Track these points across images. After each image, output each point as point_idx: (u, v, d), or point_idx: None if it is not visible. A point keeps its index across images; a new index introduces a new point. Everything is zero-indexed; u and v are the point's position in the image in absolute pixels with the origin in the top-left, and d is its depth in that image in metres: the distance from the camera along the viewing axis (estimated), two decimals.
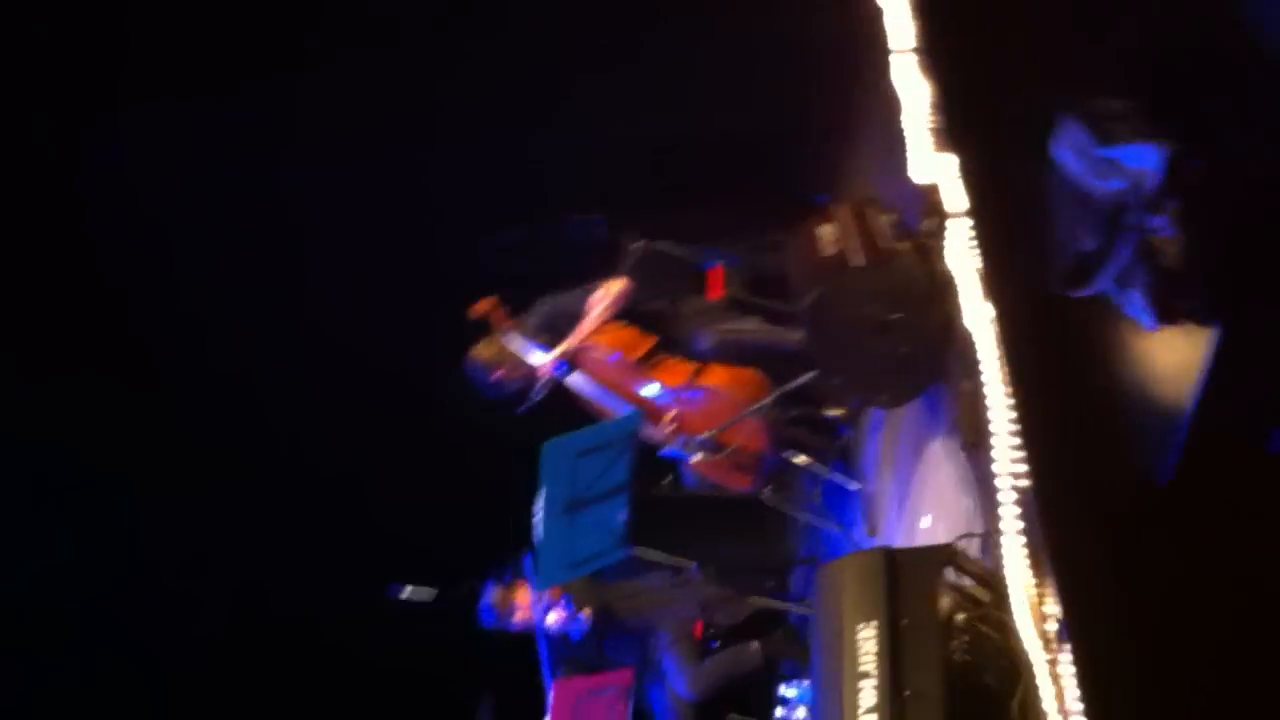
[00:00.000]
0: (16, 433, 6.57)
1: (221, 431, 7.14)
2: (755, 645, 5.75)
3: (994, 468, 3.54)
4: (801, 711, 5.05)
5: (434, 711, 7.17)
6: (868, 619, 3.48)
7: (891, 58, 4.94)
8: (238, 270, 6.95)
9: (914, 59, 4.75)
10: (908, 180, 4.66)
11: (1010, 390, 3.70)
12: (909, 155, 4.69)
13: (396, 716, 7.43)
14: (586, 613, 5.94)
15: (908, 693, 3.34)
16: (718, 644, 5.88)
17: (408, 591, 6.32)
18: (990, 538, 3.58)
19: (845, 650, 3.55)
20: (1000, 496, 3.48)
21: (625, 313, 5.73)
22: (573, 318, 5.73)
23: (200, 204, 6.93)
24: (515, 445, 5.22)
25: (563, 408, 5.78)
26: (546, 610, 5.96)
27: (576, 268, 5.96)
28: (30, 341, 6.68)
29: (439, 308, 6.09)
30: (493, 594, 6.03)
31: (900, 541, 4.39)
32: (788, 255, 5.52)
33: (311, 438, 7.16)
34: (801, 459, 5.48)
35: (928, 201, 4.55)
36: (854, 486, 5.32)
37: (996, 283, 4.01)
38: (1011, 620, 3.28)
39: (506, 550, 5.78)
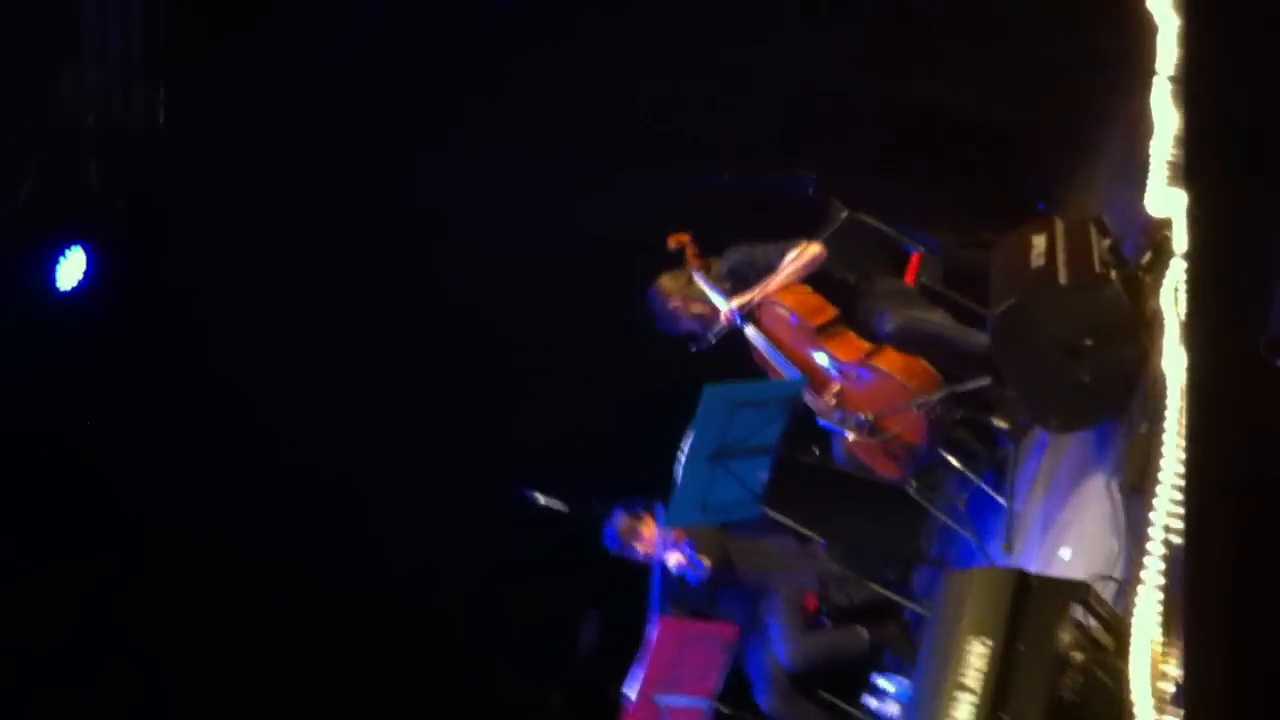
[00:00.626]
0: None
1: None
2: (863, 631, 5.70)
3: (1150, 517, 3.42)
4: (893, 707, 4.99)
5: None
6: (984, 634, 3.42)
7: (1153, 80, 4.78)
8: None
9: (1170, 86, 4.58)
10: (1139, 208, 4.50)
11: (1186, 445, 3.56)
12: (1146, 183, 4.53)
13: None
14: (706, 560, 5.96)
15: (1004, 717, 3.27)
16: (827, 621, 5.85)
17: (541, 499, 6.41)
18: (1128, 586, 3.47)
19: (953, 659, 3.50)
20: (1149, 547, 3.36)
21: (814, 277, 5.68)
22: (762, 271, 5.70)
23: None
24: (682, 381, 5.27)
25: (734, 355, 5.77)
26: (668, 548, 5.99)
27: (776, 221, 5.91)
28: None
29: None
30: (620, 520, 6.08)
31: (1035, 566, 4.28)
32: (994, 256, 5.41)
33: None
34: (955, 461, 5.37)
35: (1153, 234, 4.40)
36: (1001, 501, 5.20)
37: (1198, 333, 3.86)
38: (1129, 672, 3.19)
39: (649, 482, 5.79)
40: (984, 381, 5.05)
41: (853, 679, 5.65)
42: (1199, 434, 3.54)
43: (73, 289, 6.84)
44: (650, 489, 5.69)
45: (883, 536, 6.08)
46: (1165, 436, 3.66)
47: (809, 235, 5.78)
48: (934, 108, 6.34)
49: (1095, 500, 4.15)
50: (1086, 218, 4.73)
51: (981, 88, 6.19)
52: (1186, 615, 3.00)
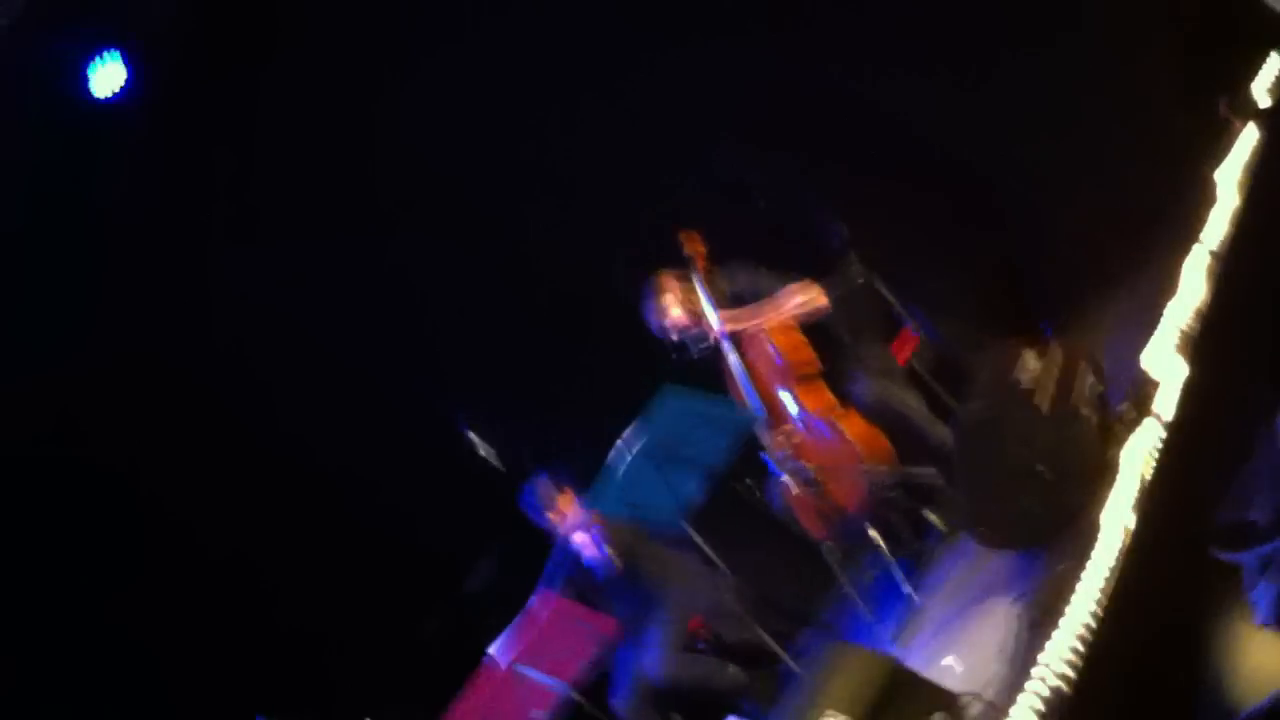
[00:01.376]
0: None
1: None
2: (735, 671, 5.71)
3: (1040, 658, 3.40)
4: None
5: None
6: (842, 712, 3.41)
7: (1194, 247, 4.78)
8: None
9: (1208, 259, 4.57)
10: (1136, 361, 4.49)
11: (1099, 601, 3.55)
12: (1151, 340, 4.52)
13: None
14: (611, 552, 5.94)
15: None
16: (704, 648, 5.84)
17: (475, 439, 6.39)
18: (996, 713, 3.46)
19: None
20: (1029, 686, 3.35)
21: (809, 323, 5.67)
22: (759, 296, 5.67)
23: None
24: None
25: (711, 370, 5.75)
26: (579, 528, 5.97)
27: (788, 252, 5.89)
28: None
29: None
30: (542, 485, 6.08)
31: (915, 662, 4.24)
32: (984, 359, 5.41)
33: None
34: (879, 538, 5.38)
35: (1141, 391, 4.38)
36: (907, 590, 5.20)
37: (1149, 503, 3.84)
38: None
39: (585, 457, 5.77)
40: (933, 475, 5.04)
41: (708, 713, 5.64)
42: (1114, 603, 3.52)
43: (109, 98, 6.40)
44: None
45: (786, 587, 6.10)
46: (1081, 586, 3.64)
47: (815, 274, 5.75)
48: (978, 199, 6.30)
49: (995, 622, 4.14)
50: (1083, 353, 4.72)
51: (1031, 195, 6.16)
52: None
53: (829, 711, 3.47)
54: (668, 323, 5.78)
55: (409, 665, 6.78)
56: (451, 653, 6.01)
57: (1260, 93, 5.66)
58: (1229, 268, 4.60)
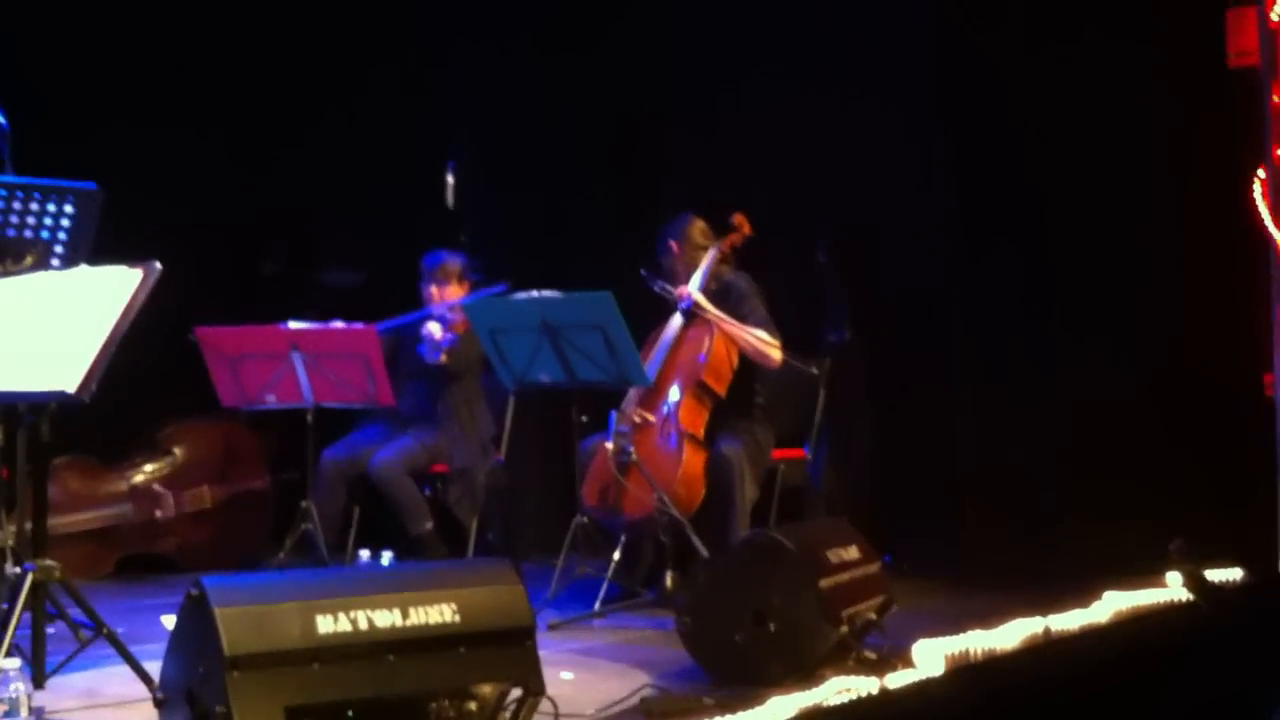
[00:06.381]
0: None
1: None
2: (431, 526, 5.80)
3: None
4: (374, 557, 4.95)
5: None
6: (456, 608, 3.41)
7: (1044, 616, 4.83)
8: None
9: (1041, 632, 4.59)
10: (916, 639, 4.53)
11: None
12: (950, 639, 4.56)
13: None
14: (444, 354, 5.94)
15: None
16: (428, 491, 5.91)
17: (451, 183, 6.39)
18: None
19: (423, 595, 3.48)
20: None
21: (747, 362, 5.66)
22: (737, 313, 5.67)
23: None
24: None
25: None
26: (441, 317, 5.97)
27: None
28: None
29: None
30: (453, 261, 6.09)
31: (545, 651, 4.21)
32: (825, 518, 5.49)
33: None
34: (617, 553, 5.41)
35: (895, 657, 4.42)
36: (597, 606, 5.25)
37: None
38: None
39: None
40: (700, 549, 5.08)
41: (378, 532, 5.67)
42: None
43: None
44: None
45: (526, 517, 6.19)
46: None
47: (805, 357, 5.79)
48: None
49: (623, 684, 4.17)
50: (889, 593, 4.74)
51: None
52: None
53: (451, 603, 3.46)
54: (666, 253, 5.82)
55: None
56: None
57: (1215, 575, 5.72)
58: (1040, 657, 4.65)
